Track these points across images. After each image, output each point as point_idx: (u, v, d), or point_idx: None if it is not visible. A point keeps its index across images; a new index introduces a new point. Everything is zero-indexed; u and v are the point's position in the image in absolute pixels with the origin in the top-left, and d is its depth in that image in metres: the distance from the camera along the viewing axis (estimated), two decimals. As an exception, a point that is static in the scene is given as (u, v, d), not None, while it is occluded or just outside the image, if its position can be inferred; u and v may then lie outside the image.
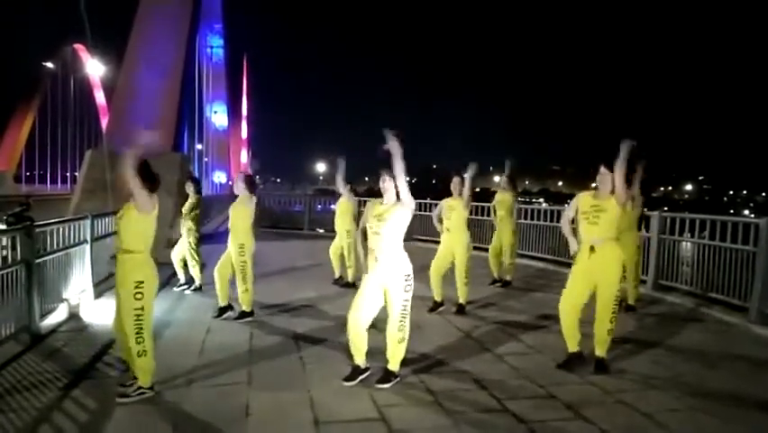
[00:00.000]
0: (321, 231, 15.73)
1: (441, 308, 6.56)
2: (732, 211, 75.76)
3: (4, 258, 4.86)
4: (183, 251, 7.44)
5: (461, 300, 6.57)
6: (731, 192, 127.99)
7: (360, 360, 4.28)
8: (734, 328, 6.31)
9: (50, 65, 66.86)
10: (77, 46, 66.83)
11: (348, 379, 4.23)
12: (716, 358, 5.16)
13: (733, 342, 5.78)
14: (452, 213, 6.50)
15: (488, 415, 3.78)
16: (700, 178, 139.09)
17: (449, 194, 6.68)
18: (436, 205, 7.03)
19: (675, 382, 4.45)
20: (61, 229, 6.00)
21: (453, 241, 6.51)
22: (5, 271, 4.82)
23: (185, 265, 7.50)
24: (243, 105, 72.88)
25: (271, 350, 5.10)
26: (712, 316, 6.80)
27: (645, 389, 4.28)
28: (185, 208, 7.42)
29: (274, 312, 6.46)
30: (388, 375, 4.26)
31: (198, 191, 7.59)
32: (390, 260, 4.13)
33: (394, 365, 4.29)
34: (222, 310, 6.10)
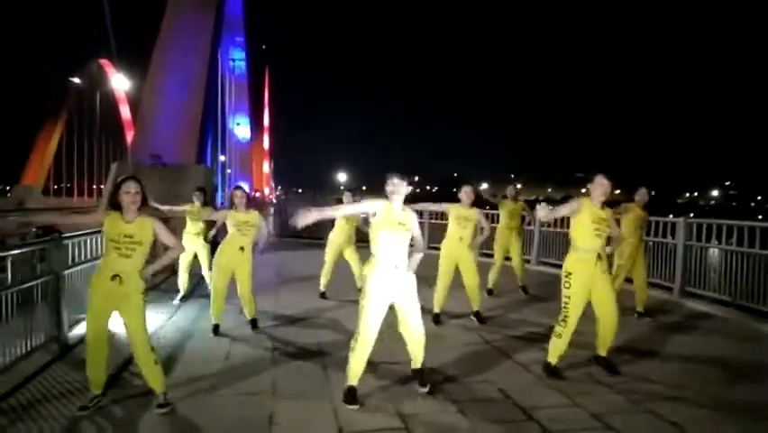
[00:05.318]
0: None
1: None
2: (760, 217, 74.14)
3: (34, 269, 4.96)
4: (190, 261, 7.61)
5: (478, 307, 6.54)
6: (759, 197, 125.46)
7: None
8: (764, 337, 6.17)
9: (76, 80, 68.25)
10: (103, 61, 68.19)
11: (354, 402, 3.99)
12: (746, 367, 5.05)
13: (763, 350, 5.66)
14: (469, 224, 6.33)
15: (513, 425, 3.74)
16: (727, 183, 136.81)
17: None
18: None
19: (704, 391, 4.36)
20: (88, 241, 6.10)
21: (464, 252, 6.33)
22: (36, 282, 4.93)
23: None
24: (265, 117, 73.62)
25: (295, 360, 5.12)
26: (741, 323, 6.66)
27: (674, 398, 4.20)
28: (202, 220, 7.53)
29: (297, 322, 6.49)
30: (426, 375, 4.34)
31: (205, 202, 7.85)
32: (403, 264, 4.10)
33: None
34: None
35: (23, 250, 4.89)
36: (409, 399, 4.14)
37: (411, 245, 4.18)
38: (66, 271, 5.44)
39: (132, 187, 3.79)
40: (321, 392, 4.28)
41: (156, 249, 4.41)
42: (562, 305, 4.67)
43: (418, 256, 4.15)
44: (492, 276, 8.18)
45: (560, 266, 10.04)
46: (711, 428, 3.72)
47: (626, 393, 4.27)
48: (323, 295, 7.90)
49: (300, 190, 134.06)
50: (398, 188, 4.06)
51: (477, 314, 6.51)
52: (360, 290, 7.71)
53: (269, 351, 5.38)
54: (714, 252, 7.88)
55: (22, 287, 4.71)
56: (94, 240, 6.19)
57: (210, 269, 7.55)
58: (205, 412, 3.88)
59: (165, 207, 7.42)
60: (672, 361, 5.16)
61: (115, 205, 3.80)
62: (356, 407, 3.95)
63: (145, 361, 3.87)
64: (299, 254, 12.79)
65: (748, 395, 4.34)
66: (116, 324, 6.16)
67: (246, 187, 6.44)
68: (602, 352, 4.83)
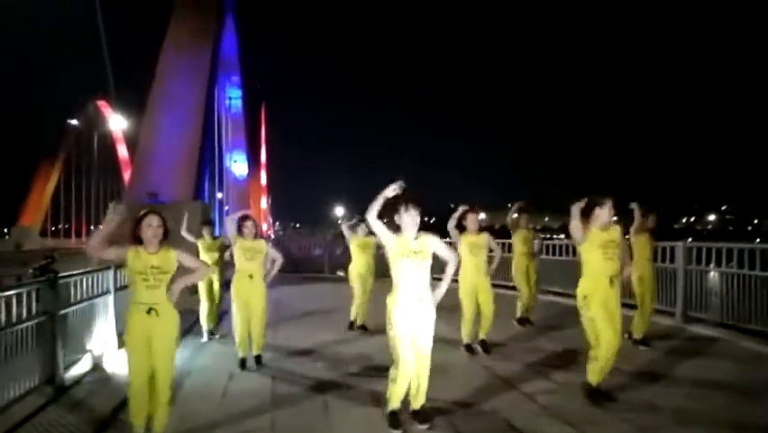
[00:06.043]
0: (342, 274, 15.70)
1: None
2: (758, 240, 74.09)
3: (29, 310, 4.89)
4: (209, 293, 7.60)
5: (485, 336, 6.47)
6: (756, 221, 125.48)
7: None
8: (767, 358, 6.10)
9: (74, 121, 68.81)
10: (100, 102, 68.87)
11: (399, 426, 4.09)
12: (753, 391, 4.97)
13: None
14: (481, 251, 6.40)
15: (518, 456, 3.66)
16: (723, 208, 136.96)
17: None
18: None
19: (712, 416, 4.29)
20: (85, 280, 6.05)
21: (481, 279, 6.36)
22: (30, 323, 4.85)
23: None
24: (262, 153, 74.06)
25: (294, 395, 5.03)
26: (745, 346, 6.59)
27: (682, 425, 4.12)
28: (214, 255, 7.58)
29: (296, 357, 6.40)
30: (425, 413, 4.24)
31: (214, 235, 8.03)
32: (427, 296, 4.12)
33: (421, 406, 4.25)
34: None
35: (19, 291, 4.82)
36: (413, 429, 4.06)
37: (436, 278, 4.16)
38: (61, 312, 5.37)
39: (154, 221, 3.84)
40: (321, 428, 4.20)
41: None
42: (587, 328, 4.61)
43: (443, 290, 4.16)
44: (521, 306, 8.12)
45: (560, 294, 10.11)
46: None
47: (632, 421, 4.19)
48: (361, 327, 7.83)
49: (298, 225, 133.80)
50: (415, 219, 4.12)
51: (482, 343, 6.44)
52: (351, 324, 7.77)
53: (267, 387, 5.28)
54: (714, 275, 7.84)
55: (17, 328, 4.64)
56: (89, 279, 6.14)
57: (220, 301, 7.81)
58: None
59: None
60: (677, 386, 5.08)
61: (137, 239, 3.82)
62: (400, 431, 4.03)
63: (161, 401, 3.84)
64: (299, 289, 12.73)
65: (754, 417, 4.27)
66: (117, 362, 6.09)
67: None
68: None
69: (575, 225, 4.66)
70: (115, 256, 3.88)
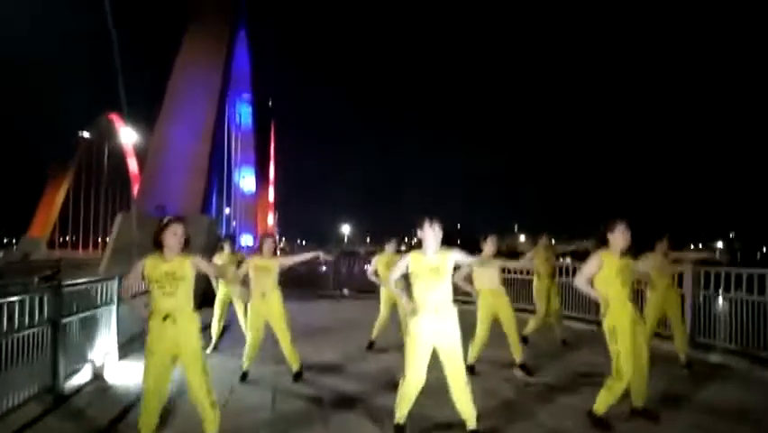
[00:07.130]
0: (346, 293, 15.66)
1: None
2: (768, 268, 73.02)
3: (32, 317, 4.87)
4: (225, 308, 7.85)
5: (520, 359, 6.31)
6: (765, 249, 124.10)
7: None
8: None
9: (85, 134, 69.49)
10: (112, 115, 69.55)
11: None
12: (762, 419, 4.87)
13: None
14: (496, 272, 6.31)
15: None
16: (731, 236, 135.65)
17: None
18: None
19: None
20: (88, 289, 6.04)
21: (501, 301, 6.26)
22: (33, 330, 4.83)
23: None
24: (271, 170, 74.39)
25: (295, 412, 4.98)
26: (754, 374, 6.47)
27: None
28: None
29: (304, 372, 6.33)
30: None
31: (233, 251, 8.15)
32: (450, 311, 4.11)
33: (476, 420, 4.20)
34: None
35: (22, 297, 4.81)
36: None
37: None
38: (64, 320, 5.36)
39: (179, 229, 3.93)
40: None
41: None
42: (613, 360, 4.48)
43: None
44: (533, 324, 8.02)
45: (567, 317, 9.99)
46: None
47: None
48: (370, 345, 7.73)
49: (304, 243, 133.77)
50: (438, 235, 4.10)
51: (523, 366, 6.28)
52: (370, 344, 7.68)
53: (268, 403, 5.24)
54: (722, 301, 7.73)
55: (20, 334, 4.62)
56: (93, 289, 6.13)
57: (246, 315, 7.68)
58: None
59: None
60: (683, 413, 4.97)
61: (158, 244, 3.90)
62: None
63: (203, 404, 3.90)
64: (304, 306, 12.67)
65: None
66: (117, 373, 6.06)
67: (252, 239, 6.30)
68: (638, 403, 4.69)
69: (583, 284, 4.64)
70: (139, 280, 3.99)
